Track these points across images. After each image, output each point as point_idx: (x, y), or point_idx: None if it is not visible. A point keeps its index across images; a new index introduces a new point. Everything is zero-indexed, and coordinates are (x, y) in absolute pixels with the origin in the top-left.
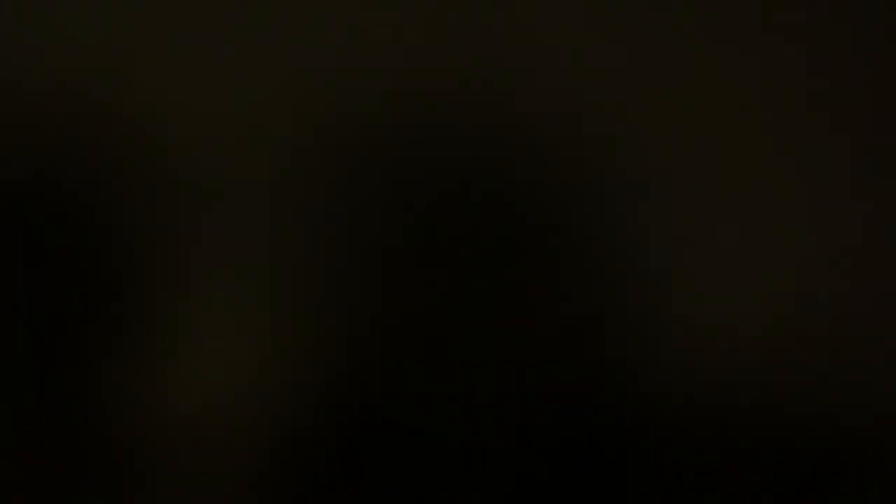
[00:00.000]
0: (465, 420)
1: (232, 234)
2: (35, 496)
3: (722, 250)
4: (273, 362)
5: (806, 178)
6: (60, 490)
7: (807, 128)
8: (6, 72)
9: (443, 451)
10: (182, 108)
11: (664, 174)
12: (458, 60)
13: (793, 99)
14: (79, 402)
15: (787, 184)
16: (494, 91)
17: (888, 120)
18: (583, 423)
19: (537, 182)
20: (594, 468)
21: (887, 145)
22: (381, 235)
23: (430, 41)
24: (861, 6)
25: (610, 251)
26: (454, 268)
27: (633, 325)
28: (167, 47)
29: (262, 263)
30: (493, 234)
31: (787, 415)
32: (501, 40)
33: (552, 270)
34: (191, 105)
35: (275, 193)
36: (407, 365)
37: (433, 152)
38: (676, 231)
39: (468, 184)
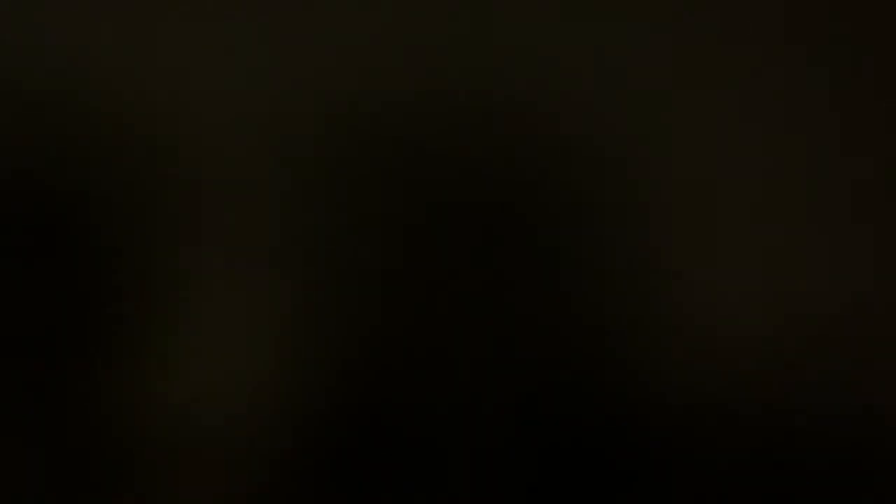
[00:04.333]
0: (467, 421)
1: (232, 235)
2: (36, 496)
3: (723, 251)
4: (275, 363)
5: (807, 178)
6: (62, 490)
7: (808, 128)
8: (7, 72)
9: (444, 452)
10: (182, 110)
11: (666, 174)
12: (459, 62)
13: (794, 99)
14: (81, 403)
15: (789, 184)
16: (497, 92)
17: (889, 120)
18: (583, 425)
19: (539, 183)
20: (595, 469)
21: (888, 145)
22: (382, 236)
23: (431, 43)
24: (861, 6)
25: (611, 252)
26: (456, 269)
27: (635, 326)
28: (169, 49)
29: (262, 265)
30: (495, 234)
31: (787, 415)
32: (503, 42)
33: (553, 271)
34: (191, 107)
35: (275, 195)
36: (408, 366)
37: (434, 154)
38: (678, 232)
39: (470, 185)
